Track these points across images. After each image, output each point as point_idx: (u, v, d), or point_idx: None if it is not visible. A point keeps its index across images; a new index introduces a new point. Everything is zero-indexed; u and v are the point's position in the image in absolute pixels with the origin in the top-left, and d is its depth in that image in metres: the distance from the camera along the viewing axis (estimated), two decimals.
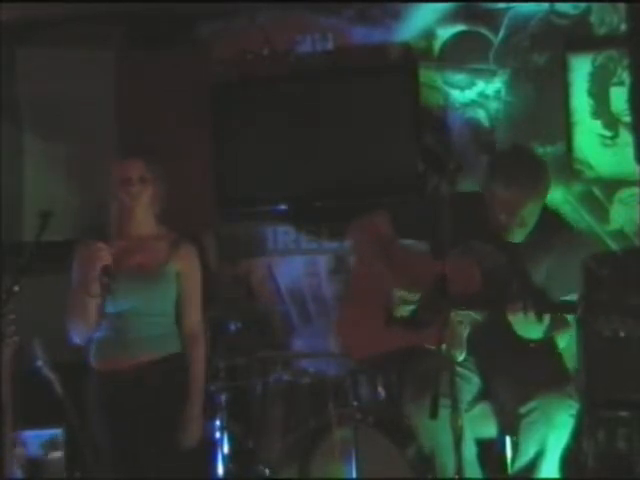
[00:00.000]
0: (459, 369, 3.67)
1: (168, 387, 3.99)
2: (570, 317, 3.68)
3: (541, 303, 3.54)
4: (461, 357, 3.69)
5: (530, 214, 3.70)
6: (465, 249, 3.70)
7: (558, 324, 3.67)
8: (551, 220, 3.80)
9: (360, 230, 4.07)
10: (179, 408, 4.00)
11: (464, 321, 3.66)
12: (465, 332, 3.70)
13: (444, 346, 3.17)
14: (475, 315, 3.70)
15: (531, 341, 3.63)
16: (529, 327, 3.56)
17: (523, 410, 3.65)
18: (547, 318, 3.56)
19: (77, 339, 4.00)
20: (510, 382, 3.73)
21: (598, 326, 3.39)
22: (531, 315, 3.50)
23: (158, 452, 3.93)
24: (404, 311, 3.84)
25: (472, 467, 3.71)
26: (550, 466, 3.67)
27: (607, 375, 3.59)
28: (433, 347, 3.21)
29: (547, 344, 3.71)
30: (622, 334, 3.37)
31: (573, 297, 3.69)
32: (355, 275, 4.26)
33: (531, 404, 3.63)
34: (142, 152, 4.10)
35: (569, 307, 3.57)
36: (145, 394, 3.95)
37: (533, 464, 3.67)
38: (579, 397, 3.77)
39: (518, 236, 3.74)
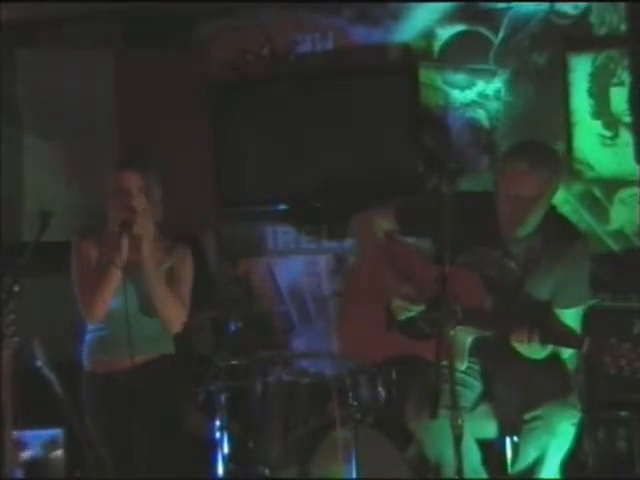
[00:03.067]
0: (461, 376, 3.66)
1: (160, 388, 4.01)
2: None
3: (546, 333, 3.52)
4: (462, 367, 3.69)
5: (541, 197, 3.61)
6: (469, 257, 3.68)
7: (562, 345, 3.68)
8: (564, 230, 3.76)
9: (363, 225, 4.04)
10: (171, 409, 4.04)
11: (467, 330, 3.65)
12: (468, 340, 3.69)
13: (443, 358, 3.17)
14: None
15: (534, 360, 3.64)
16: (532, 351, 3.58)
17: (526, 416, 3.64)
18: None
19: (95, 318, 4.00)
20: (514, 388, 3.72)
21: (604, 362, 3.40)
22: (535, 344, 3.52)
23: (151, 453, 3.97)
24: (406, 315, 3.81)
25: (477, 473, 3.70)
26: (549, 472, 3.66)
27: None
28: (432, 359, 3.20)
29: (551, 353, 3.69)
30: (627, 373, 3.37)
31: (580, 309, 3.71)
32: (356, 272, 4.24)
33: (535, 412, 3.62)
34: (138, 162, 4.11)
35: (575, 340, 3.55)
36: (138, 395, 3.97)
37: (532, 469, 3.67)
38: (579, 399, 3.77)
39: (523, 228, 3.67)
